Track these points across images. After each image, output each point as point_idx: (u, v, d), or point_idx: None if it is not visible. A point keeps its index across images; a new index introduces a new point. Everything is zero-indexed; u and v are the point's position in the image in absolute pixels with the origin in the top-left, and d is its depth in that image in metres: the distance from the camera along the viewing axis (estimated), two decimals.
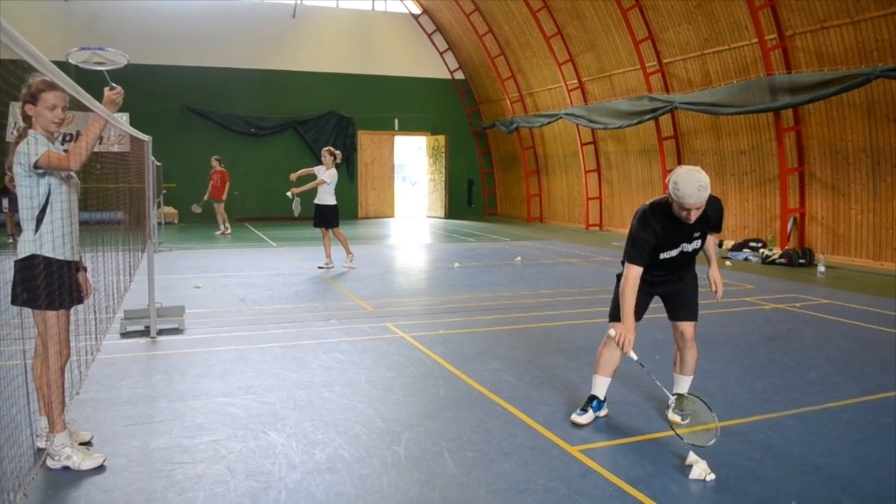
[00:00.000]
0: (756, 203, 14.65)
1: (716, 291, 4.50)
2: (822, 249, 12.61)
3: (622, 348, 4.19)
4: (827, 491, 3.59)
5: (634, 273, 4.17)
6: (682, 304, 4.45)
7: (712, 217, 4.18)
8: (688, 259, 4.37)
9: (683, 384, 4.58)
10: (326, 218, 11.55)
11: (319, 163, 11.75)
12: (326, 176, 11.41)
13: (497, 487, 3.63)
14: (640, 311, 4.44)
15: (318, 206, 11.56)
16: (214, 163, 17.95)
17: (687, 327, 4.46)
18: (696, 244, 4.27)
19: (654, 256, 4.23)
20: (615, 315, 4.40)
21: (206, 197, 17.75)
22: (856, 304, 8.75)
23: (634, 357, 4.22)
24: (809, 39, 12.49)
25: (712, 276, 4.51)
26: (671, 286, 4.45)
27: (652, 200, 4.24)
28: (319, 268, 11.50)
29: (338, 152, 11.73)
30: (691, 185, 3.85)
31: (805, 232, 13.46)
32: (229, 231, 17.86)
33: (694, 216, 3.97)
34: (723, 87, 14.21)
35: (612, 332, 4.29)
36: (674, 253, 4.25)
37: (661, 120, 16.42)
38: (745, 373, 5.72)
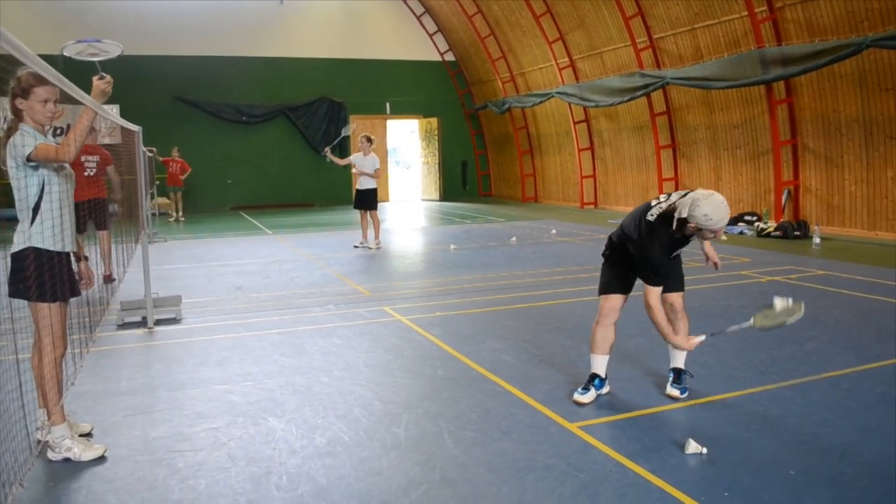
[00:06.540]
0: (750, 176, 14.64)
1: (715, 265, 4.62)
2: (817, 221, 12.62)
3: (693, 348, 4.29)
4: (825, 459, 3.62)
5: (656, 294, 4.23)
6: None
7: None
8: None
9: (679, 355, 4.60)
10: (367, 201, 12.28)
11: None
12: (375, 162, 12.09)
13: (497, 465, 3.65)
14: (624, 283, 4.51)
15: (358, 190, 12.30)
16: (175, 153, 18.70)
17: (676, 298, 4.48)
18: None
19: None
20: (605, 288, 4.53)
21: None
22: (852, 274, 8.78)
23: (703, 338, 4.27)
24: (800, 11, 12.42)
25: (707, 252, 4.57)
26: None
27: (652, 219, 4.18)
28: (355, 246, 12.33)
29: (374, 137, 12.46)
30: (721, 209, 3.89)
31: (800, 204, 13.47)
32: (182, 218, 18.68)
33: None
34: (714, 60, 14.13)
35: (686, 343, 4.29)
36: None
37: (653, 96, 16.35)
38: (742, 345, 5.73)
